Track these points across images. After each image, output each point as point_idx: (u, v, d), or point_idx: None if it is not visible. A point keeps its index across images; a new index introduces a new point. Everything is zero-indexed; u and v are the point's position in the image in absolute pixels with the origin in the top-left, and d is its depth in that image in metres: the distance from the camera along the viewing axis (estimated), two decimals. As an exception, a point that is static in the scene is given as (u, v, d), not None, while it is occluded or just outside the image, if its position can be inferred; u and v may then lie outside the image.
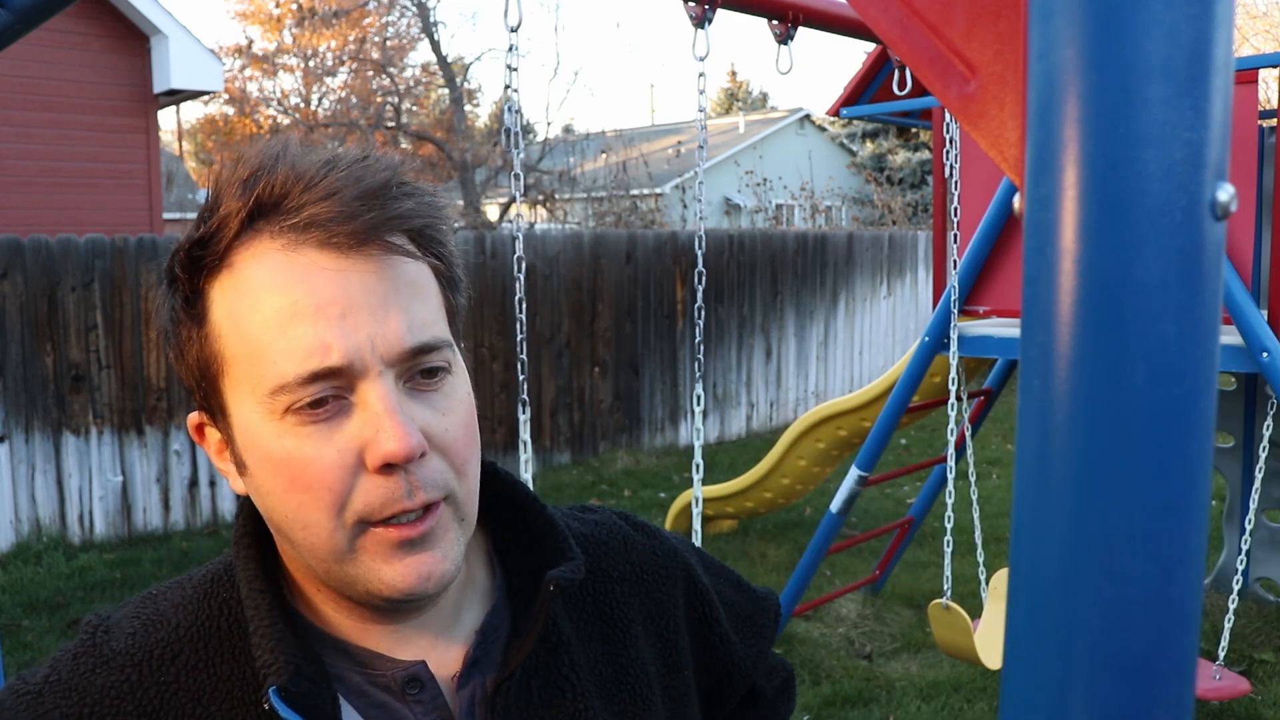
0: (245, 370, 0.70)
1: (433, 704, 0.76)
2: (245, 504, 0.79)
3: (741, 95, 36.24)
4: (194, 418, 0.77)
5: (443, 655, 0.78)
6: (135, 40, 8.86)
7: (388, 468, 0.68)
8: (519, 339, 2.04)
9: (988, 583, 3.73)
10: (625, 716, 0.83)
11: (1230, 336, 3.19)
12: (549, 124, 17.69)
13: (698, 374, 2.95)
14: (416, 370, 0.71)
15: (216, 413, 0.74)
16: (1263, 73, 4.96)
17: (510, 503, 0.85)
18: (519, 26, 1.80)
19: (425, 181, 0.77)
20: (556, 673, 0.79)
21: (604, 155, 16.77)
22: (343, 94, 20.37)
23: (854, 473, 4.07)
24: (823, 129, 24.08)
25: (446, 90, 19.38)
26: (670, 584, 0.92)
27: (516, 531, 0.85)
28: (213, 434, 0.76)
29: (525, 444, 1.98)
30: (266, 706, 0.69)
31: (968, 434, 3.95)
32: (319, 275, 0.68)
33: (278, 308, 0.68)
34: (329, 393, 0.68)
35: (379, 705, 0.75)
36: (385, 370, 0.68)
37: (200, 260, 0.71)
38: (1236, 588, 3.43)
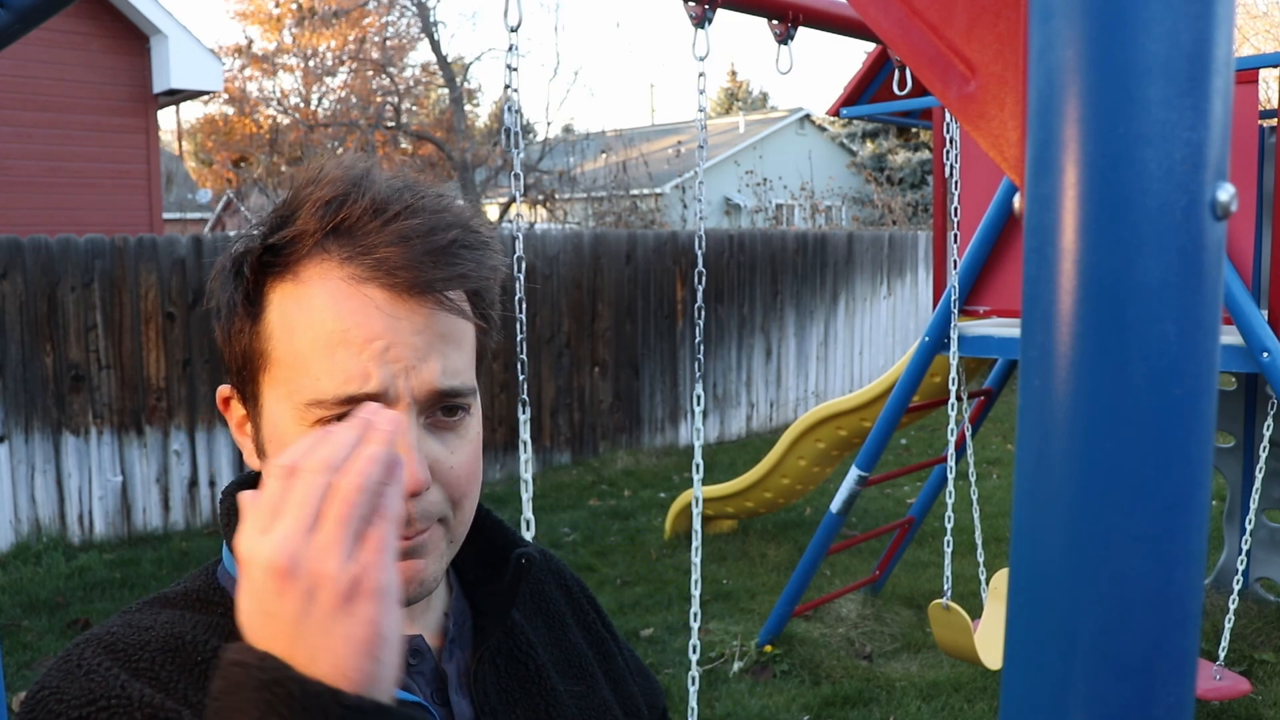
0: (286, 375, 0.75)
1: (431, 674, 0.83)
2: (228, 507, 0.82)
3: (741, 95, 36.24)
4: (224, 390, 0.83)
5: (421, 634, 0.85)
6: (135, 40, 8.86)
7: None
8: (519, 339, 2.04)
9: (988, 583, 3.73)
10: (578, 689, 0.92)
11: (1230, 336, 3.19)
12: (549, 124, 17.67)
13: (698, 374, 2.95)
14: (439, 408, 0.76)
15: (249, 399, 0.80)
16: (1263, 73, 4.96)
17: None
18: (519, 26, 1.80)
19: (486, 228, 0.81)
20: (518, 650, 0.89)
21: (604, 155, 16.77)
22: (343, 94, 20.36)
23: (854, 473, 4.07)
24: (823, 129, 24.07)
25: (446, 90, 19.39)
26: (580, 591, 1.04)
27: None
28: (238, 410, 0.82)
29: (525, 444, 1.98)
30: None
31: (968, 434, 3.95)
32: (374, 313, 0.73)
33: (330, 331, 0.73)
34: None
35: None
36: (412, 405, 0.74)
37: (270, 265, 0.76)
38: (1236, 588, 3.42)
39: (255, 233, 0.78)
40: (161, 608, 0.79)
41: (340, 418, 0.73)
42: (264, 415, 0.78)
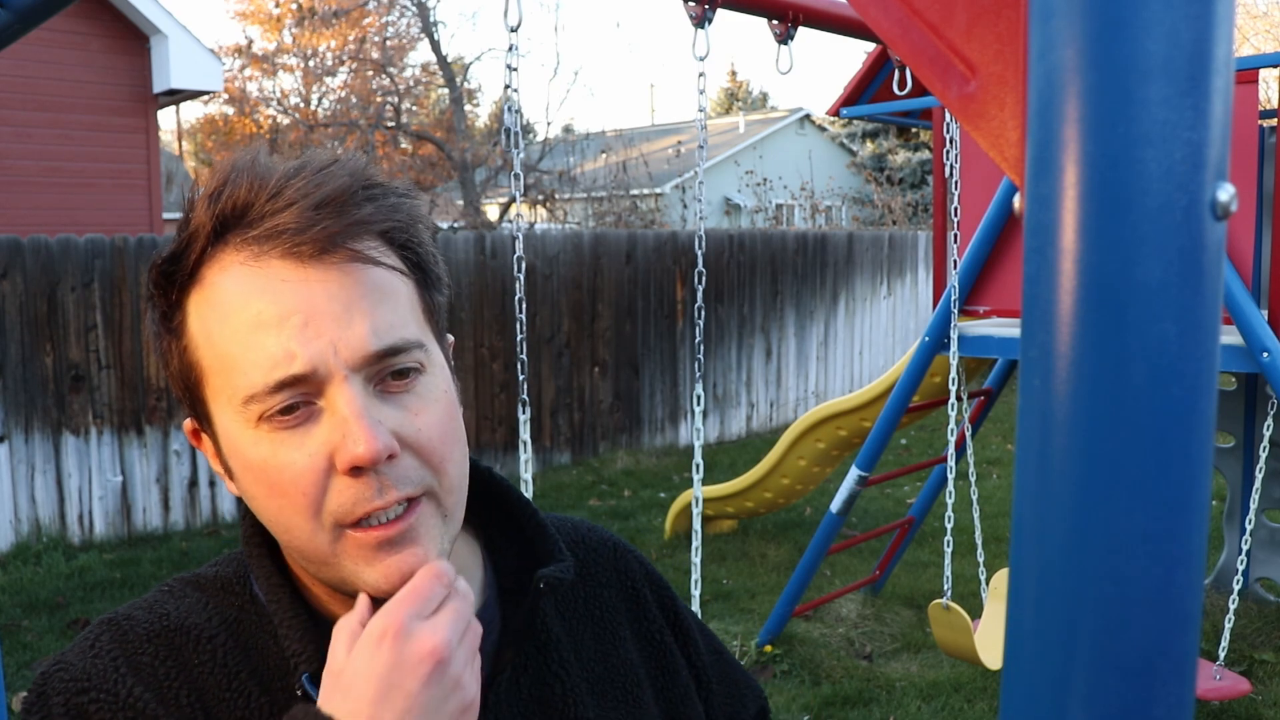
0: (221, 381, 0.72)
1: None
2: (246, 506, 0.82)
3: (741, 95, 36.24)
4: (189, 424, 0.80)
5: None
6: (135, 40, 8.86)
7: (356, 470, 0.69)
8: (519, 339, 2.04)
9: (988, 583, 3.73)
10: (617, 713, 0.85)
11: (1230, 336, 3.19)
12: (549, 124, 17.65)
13: (698, 374, 2.95)
14: (386, 372, 0.72)
15: (203, 420, 0.76)
16: (1263, 73, 4.96)
17: (504, 506, 0.89)
18: (519, 26, 1.80)
19: (397, 180, 0.77)
20: (546, 670, 0.82)
21: (604, 155, 16.76)
22: (343, 94, 20.36)
23: (854, 473, 4.07)
24: (823, 129, 24.07)
25: (446, 90, 19.37)
26: (652, 593, 0.96)
27: (509, 534, 0.88)
28: (207, 440, 0.78)
29: (525, 444, 1.98)
30: (299, 692, 0.71)
31: (968, 434, 3.95)
32: (281, 287, 0.69)
33: (244, 320, 0.70)
34: (298, 399, 0.70)
35: None
36: (351, 375, 0.70)
37: (173, 276, 0.73)
38: (1236, 588, 3.42)
39: (157, 254, 0.75)
40: (192, 590, 0.80)
41: (285, 410, 0.69)
42: (218, 432, 0.74)
